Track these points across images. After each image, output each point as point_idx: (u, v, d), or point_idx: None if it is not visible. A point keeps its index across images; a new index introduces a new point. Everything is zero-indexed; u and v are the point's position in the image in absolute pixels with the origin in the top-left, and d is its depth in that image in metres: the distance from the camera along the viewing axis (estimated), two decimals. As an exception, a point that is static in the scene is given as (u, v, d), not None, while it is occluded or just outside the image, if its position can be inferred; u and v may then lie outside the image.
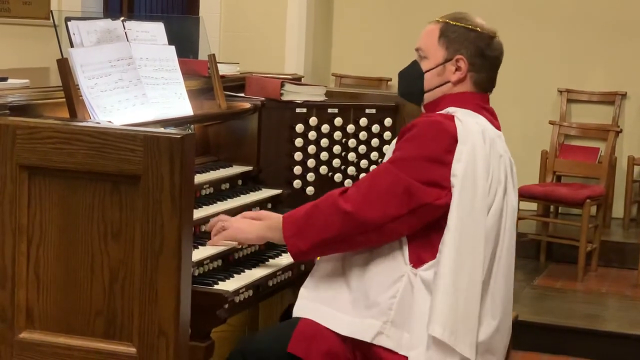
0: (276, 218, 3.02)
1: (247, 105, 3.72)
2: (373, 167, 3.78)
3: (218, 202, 3.35)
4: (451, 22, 3.05)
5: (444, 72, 3.05)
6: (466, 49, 3.03)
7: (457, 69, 3.03)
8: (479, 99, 3.07)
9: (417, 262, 2.89)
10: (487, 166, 2.90)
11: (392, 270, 2.90)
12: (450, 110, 2.97)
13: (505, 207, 2.97)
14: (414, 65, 3.11)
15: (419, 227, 2.89)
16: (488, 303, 2.92)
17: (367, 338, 2.85)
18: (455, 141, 2.87)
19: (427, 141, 2.89)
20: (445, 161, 2.86)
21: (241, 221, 3.10)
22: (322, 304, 2.95)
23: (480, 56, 3.04)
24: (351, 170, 3.77)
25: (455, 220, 2.84)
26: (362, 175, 3.72)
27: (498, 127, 3.07)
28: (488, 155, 2.91)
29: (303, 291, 3.02)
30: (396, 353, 2.85)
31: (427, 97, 3.10)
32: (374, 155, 3.84)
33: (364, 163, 3.83)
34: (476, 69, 3.04)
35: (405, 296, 2.87)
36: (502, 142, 3.05)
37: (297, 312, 2.97)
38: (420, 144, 2.89)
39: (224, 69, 3.81)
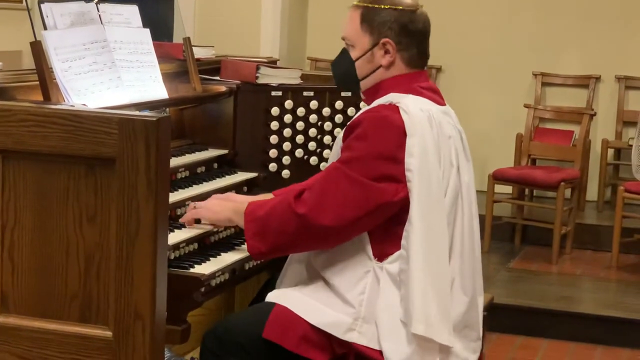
0: (243, 203, 3.01)
1: (223, 88, 3.72)
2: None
3: (194, 186, 3.34)
4: (370, 5, 3.00)
5: (374, 57, 3.02)
6: (390, 30, 2.98)
7: (386, 52, 2.99)
8: (416, 78, 3.04)
9: (381, 256, 2.90)
10: (438, 153, 2.90)
11: (357, 266, 2.91)
12: (393, 98, 2.94)
13: (461, 187, 2.98)
14: (344, 54, 3.08)
15: (379, 224, 2.89)
16: (457, 281, 2.94)
17: (338, 334, 2.86)
18: (405, 135, 2.86)
19: (377, 139, 2.87)
20: (398, 157, 2.85)
21: (212, 202, 3.11)
22: (296, 292, 2.97)
23: (405, 33, 2.99)
24: (326, 153, 3.77)
25: (417, 214, 2.84)
26: (329, 162, 3.73)
27: (442, 102, 3.05)
28: (437, 142, 2.91)
29: (279, 279, 3.07)
30: (368, 347, 2.87)
31: (364, 85, 3.08)
32: (349, 138, 3.84)
33: (326, 152, 3.81)
34: (404, 47, 3.00)
35: (372, 290, 2.89)
36: (449, 117, 3.04)
37: (271, 298, 2.97)
38: (370, 143, 2.87)
39: (199, 52, 3.80)
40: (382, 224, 2.89)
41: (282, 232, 2.87)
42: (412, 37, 3.01)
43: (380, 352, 2.85)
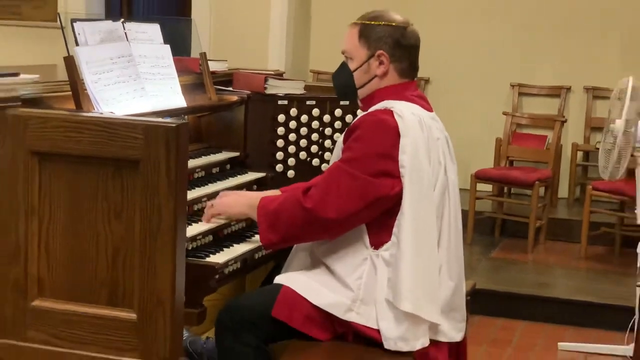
0: (255, 199, 3.01)
1: (235, 98, 3.72)
2: (347, 152, 3.78)
3: (209, 184, 3.34)
4: (367, 22, 3.02)
5: (370, 68, 3.02)
6: (384, 44, 2.99)
7: (380, 63, 3.00)
8: (408, 87, 3.05)
9: (377, 244, 2.90)
10: (428, 152, 2.91)
11: (356, 254, 2.91)
12: (387, 104, 2.94)
13: (447, 184, 2.99)
14: (343, 66, 3.08)
15: (376, 216, 2.89)
16: (444, 267, 2.94)
17: (338, 314, 2.87)
18: (398, 135, 2.86)
19: (374, 139, 2.88)
20: (393, 155, 2.85)
21: (227, 198, 3.10)
22: (301, 275, 2.97)
23: (398, 47, 3.00)
24: (327, 155, 3.76)
25: (409, 205, 2.84)
26: (331, 162, 3.72)
27: (430, 109, 3.05)
28: (427, 142, 2.91)
29: (286, 264, 3.06)
30: (366, 326, 2.87)
31: (361, 94, 3.08)
32: (347, 142, 3.84)
33: (328, 154, 3.79)
34: (397, 59, 3.01)
35: (370, 276, 2.88)
36: (437, 122, 3.04)
37: (279, 280, 2.97)
38: (368, 143, 2.88)
39: (213, 66, 3.80)
40: (378, 216, 2.89)
41: (291, 224, 2.87)
42: (404, 50, 3.02)
43: (377, 331, 2.85)
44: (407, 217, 2.84)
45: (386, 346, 2.84)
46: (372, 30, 3.00)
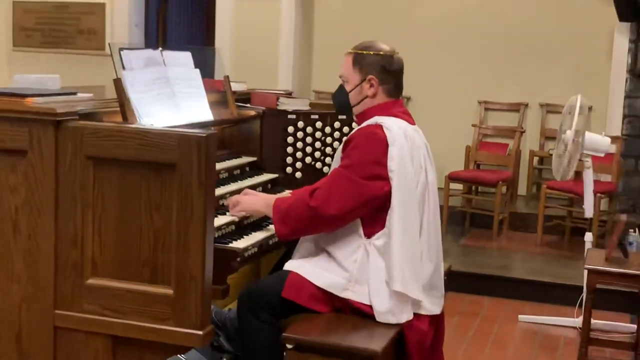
0: (271, 199, 3.03)
1: (252, 112, 3.74)
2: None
3: (231, 183, 3.36)
4: (359, 52, 3.03)
5: (362, 90, 3.03)
6: (374, 69, 3.00)
7: (371, 85, 3.01)
8: (394, 105, 3.05)
9: (369, 234, 2.91)
10: (411, 158, 2.92)
11: (352, 242, 2.92)
12: (378, 120, 2.95)
13: (427, 184, 2.99)
14: (341, 88, 3.10)
15: (370, 211, 2.90)
16: (425, 252, 2.95)
17: (337, 292, 2.88)
18: (387, 145, 2.87)
19: (367, 148, 2.89)
20: (383, 161, 2.86)
21: (249, 197, 3.12)
22: (305, 262, 2.98)
23: (385, 72, 3.01)
24: (328, 160, 3.77)
25: (397, 202, 2.86)
26: (331, 168, 3.73)
27: (413, 123, 3.06)
28: (411, 150, 2.92)
29: (294, 253, 3.06)
30: (360, 302, 2.89)
31: (356, 110, 3.09)
32: (344, 149, 3.84)
33: (328, 159, 3.80)
34: (384, 81, 3.02)
35: (363, 260, 2.89)
36: (419, 133, 3.05)
37: (287, 266, 2.99)
38: (363, 152, 2.89)
39: (234, 86, 3.81)
40: (371, 212, 2.90)
41: (299, 220, 2.89)
42: (390, 74, 3.02)
43: (370, 307, 2.87)
44: (396, 212, 2.86)
45: (377, 319, 2.85)
46: (363, 59, 3.01)
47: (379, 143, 2.88)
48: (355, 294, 2.88)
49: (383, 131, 2.90)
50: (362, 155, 2.88)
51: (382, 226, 2.89)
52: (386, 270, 2.86)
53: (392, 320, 2.85)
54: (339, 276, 2.89)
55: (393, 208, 2.86)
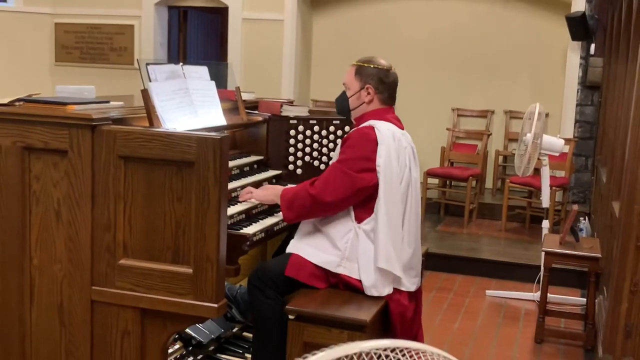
0: (280, 189, 3.04)
1: (260, 118, 3.73)
2: (338, 156, 3.77)
3: (242, 179, 3.36)
4: (361, 64, 3.04)
5: (360, 96, 3.04)
6: (372, 80, 3.01)
7: (368, 93, 3.03)
8: (387, 111, 3.06)
9: (359, 219, 2.92)
10: (397, 156, 2.93)
11: (345, 226, 2.93)
12: (372, 123, 2.96)
13: (411, 179, 3.00)
14: (343, 94, 3.12)
15: (360, 200, 2.91)
16: (405, 237, 2.96)
17: (331, 268, 2.89)
18: (377, 144, 2.89)
19: (360, 146, 2.90)
20: (372, 157, 2.87)
21: (263, 190, 3.15)
22: (304, 244, 2.98)
23: (381, 83, 3.02)
24: (324, 159, 3.78)
25: (383, 193, 2.87)
26: (331, 162, 3.73)
27: (402, 128, 3.07)
28: (397, 150, 2.93)
29: (295, 236, 3.06)
30: (350, 277, 2.89)
31: (354, 114, 3.10)
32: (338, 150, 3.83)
33: (332, 155, 3.81)
34: (380, 91, 3.03)
35: (353, 241, 2.90)
36: (406, 137, 3.06)
37: (289, 249, 2.99)
38: (356, 149, 2.90)
39: (244, 96, 3.80)
40: (361, 200, 2.91)
41: (301, 206, 2.90)
42: (386, 86, 3.04)
43: (359, 281, 2.88)
44: (382, 201, 2.86)
45: (365, 292, 2.87)
46: (364, 70, 3.03)
47: (370, 142, 2.89)
48: (347, 270, 2.89)
49: (374, 132, 2.91)
50: (355, 152, 2.90)
51: (370, 213, 2.90)
52: (373, 251, 2.86)
53: (375, 293, 2.86)
54: (333, 255, 2.90)
55: (380, 198, 2.87)
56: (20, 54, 9.00)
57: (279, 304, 2.87)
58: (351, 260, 2.89)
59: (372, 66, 3.03)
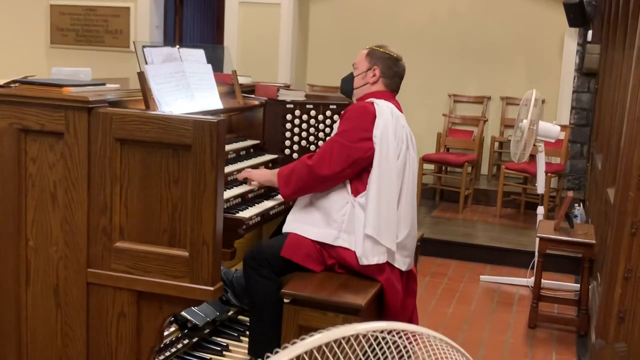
0: (276, 170, 3.06)
1: (256, 102, 3.71)
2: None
3: (238, 162, 3.35)
4: (375, 48, 3.11)
5: (366, 76, 3.09)
6: (380, 63, 3.07)
7: (374, 75, 3.07)
8: (389, 95, 3.10)
9: (355, 192, 2.93)
10: (394, 131, 2.95)
11: (342, 198, 2.94)
12: (371, 99, 3.01)
13: (408, 158, 3.01)
14: (350, 74, 3.17)
15: (356, 173, 2.92)
16: (401, 218, 2.97)
17: (329, 241, 2.90)
18: (374, 117, 2.91)
19: (358, 118, 2.93)
20: (369, 129, 2.90)
21: (260, 171, 3.17)
22: (301, 222, 2.98)
23: (389, 69, 3.08)
24: (320, 143, 3.76)
25: (377, 164, 2.89)
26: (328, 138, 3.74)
27: (401, 111, 3.09)
28: (395, 125, 2.96)
29: (290, 216, 3.06)
30: (348, 249, 2.90)
31: (356, 93, 3.14)
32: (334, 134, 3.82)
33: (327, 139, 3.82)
34: (386, 76, 3.08)
35: (350, 214, 2.91)
36: (403, 119, 3.08)
37: (285, 228, 3.00)
38: (354, 121, 2.93)
39: (241, 80, 3.79)
40: (358, 173, 2.92)
41: (299, 179, 2.92)
42: (392, 72, 3.11)
43: (355, 253, 2.90)
44: (376, 172, 2.89)
45: (359, 263, 2.88)
46: (375, 53, 3.10)
47: (368, 114, 2.93)
48: (345, 242, 2.91)
49: (373, 106, 2.96)
50: (353, 123, 2.93)
51: (365, 186, 2.91)
52: (365, 218, 2.88)
53: (364, 262, 2.87)
54: (331, 228, 2.92)
55: (374, 168, 2.89)
56: (15, 35, 8.94)
57: (275, 284, 2.88)
58: (349, 233, 2.90)
59: (383, 51, 3.10)
